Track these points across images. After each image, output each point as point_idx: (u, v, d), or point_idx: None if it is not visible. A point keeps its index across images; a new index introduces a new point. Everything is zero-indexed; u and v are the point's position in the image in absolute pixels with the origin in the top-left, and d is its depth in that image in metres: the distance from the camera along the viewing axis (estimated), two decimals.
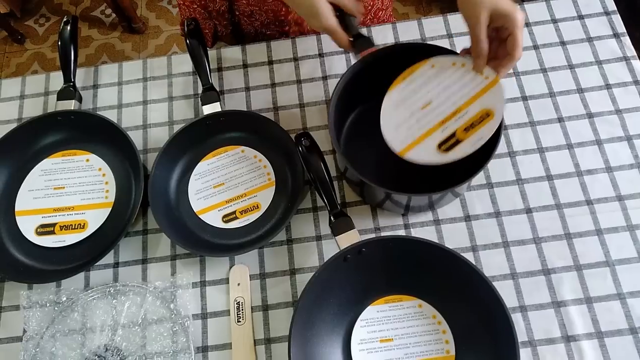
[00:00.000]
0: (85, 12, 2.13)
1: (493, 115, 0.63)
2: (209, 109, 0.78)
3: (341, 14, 0.68)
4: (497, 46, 0.63)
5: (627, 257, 0.68)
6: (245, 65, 0.86)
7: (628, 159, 0.74)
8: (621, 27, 0.83)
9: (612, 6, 0.84)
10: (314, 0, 0.66)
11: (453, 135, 0.64)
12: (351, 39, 0.69)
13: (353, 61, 0.74)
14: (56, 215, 0.76)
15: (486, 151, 0.63)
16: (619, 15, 0.84)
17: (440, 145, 0.64)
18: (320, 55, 0.85)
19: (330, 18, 0.67)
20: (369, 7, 0.91)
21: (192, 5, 0.91)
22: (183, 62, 0.87)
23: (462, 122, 0.64)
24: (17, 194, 0.78)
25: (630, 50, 0.81)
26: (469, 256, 0.69)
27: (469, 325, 0.64)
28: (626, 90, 0.78)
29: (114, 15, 2.04)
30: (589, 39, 0.83)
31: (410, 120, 0.66)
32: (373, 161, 0.73)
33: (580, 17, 0.84)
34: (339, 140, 0.75)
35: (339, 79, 0.70)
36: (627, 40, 0.82)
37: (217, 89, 0.79)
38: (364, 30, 0.68)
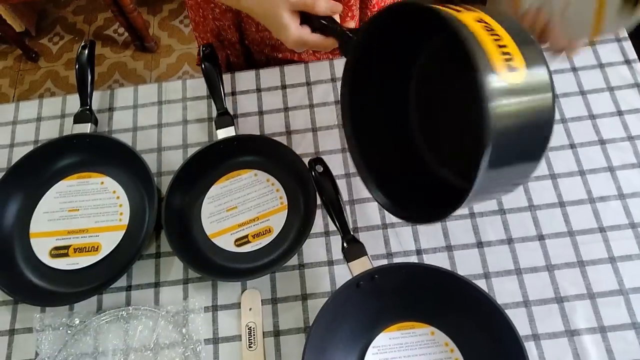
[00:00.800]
0: (99, 30, 2.16)
1: None
2: (223, 133, 0.79)
3: (316, 18, 0.61)
4: None
5: None
6: (258, 90, 0.87)
7: None
8: (632, 54, 0.83)
9: (623, 32, 0.85)
10: (276, 12, 0.60)
11: None
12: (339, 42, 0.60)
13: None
14: (70, 238, 0.77)
15: None
16: (630, 41, 0.84)
17: None
18: (333, 79, 0.86)
19: (295, 30, 0.60)
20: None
21: (206, 35, 0.92)
22: (197, 87, 0.88)
23: None
24: (32, 215, 0.79)
25: None
26: (481, 283, 0.69)
27: (481, 354, 0.64)
28: (638, 117, 0.78)
29: (126, 34, 2.07)
30: (600, 65, 0.83)
31: None
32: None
33: (592, 43, 0.85)
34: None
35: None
36: (638, 66, 0.82)
37: (231, 113, 0.81)
38: (351, 24, 0.62)
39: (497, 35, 0.43)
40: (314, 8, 0.60)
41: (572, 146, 0.77)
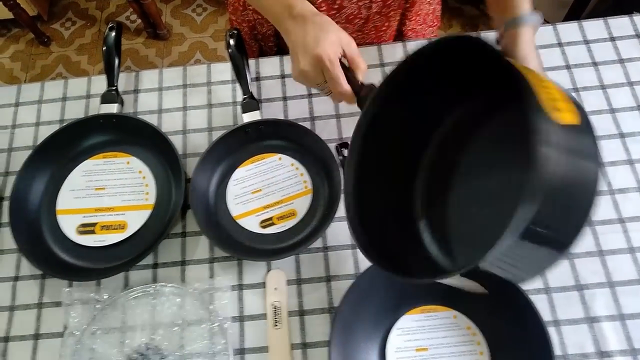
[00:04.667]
0: (111, 17, 2.17)
1: None
2: (248, 117, 0.80)
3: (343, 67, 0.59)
4: None
5: None
6: (283, 76, 0.88)
7: None
8: None
9: None
10: (328, 24, 0.58)
11: None
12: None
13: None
14: (97, 215, 0.78)
15: None
16: None
17: None
18: None
19: (338, 65, 0.57)
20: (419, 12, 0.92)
21: (242, 24, 0.93)
22: (222, 71, 0.89)
23: None
24: (58, 193, 0.80)
25: None
26: None
27: (503, 338, 0.65)
28: None
29: (138, 21, 2.08)
30: (621, 60, 0.84)
31: None
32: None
33: (612, 39, 0.86)
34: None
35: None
36: None
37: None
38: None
39: (546, 87, 0.41)
40: (357, 64, 0.59)
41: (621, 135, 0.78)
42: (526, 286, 0.68)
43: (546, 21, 0.89)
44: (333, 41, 0.57)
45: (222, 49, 2.02)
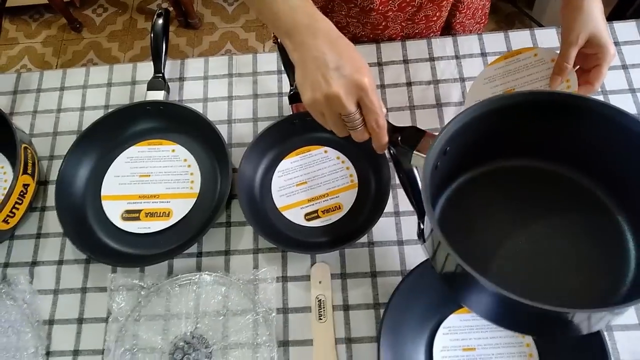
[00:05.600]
0: (142, 4, 2.17)
1: None
2: (295, 109, 0.79)
3: None
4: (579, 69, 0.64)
5: None
6: None
7: None
8: None
9: None
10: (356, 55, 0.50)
11: None
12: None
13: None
14: (141, 202, 0.78)
15: None
16: None
17: None
18: (405, 61, 0.86)
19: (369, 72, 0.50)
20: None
21: None
22: (268, 62, 0.88)
23: None
24: (103, 179, 0.80)
25: None
26: None
27: (556, 342, 0.64)
28: None
29: (170, 9, 2.08)
30: None
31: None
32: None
33: None
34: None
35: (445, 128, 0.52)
36: None
37: None
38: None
39: None
40: (380, 104, 0.52)
41: None
42: None
43: None
44: (370, 70, 0.51)
45: (253, 39, 2.01)
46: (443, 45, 0.86)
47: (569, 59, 0.64)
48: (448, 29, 0.94)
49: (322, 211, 0.75)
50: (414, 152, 0.54)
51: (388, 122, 0.55)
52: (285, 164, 0.79)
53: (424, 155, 0.52)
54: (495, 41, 0.86)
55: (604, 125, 0.50)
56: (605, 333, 0.65)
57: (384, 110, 0.54)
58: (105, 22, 2.16)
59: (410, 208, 0.69)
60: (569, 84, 0.65)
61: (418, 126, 0.56)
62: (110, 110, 0.82)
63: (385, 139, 0.54)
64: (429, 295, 0.67)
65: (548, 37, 0.85)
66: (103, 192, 0.79)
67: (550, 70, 0.67)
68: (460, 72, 0.84)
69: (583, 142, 0.54)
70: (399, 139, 0.55)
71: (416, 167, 0.58)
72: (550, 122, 0.53)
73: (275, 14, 0.53)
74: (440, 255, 0.50)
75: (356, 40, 0.92)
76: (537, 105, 0.52)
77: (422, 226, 0.66)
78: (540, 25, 1.79)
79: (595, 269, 0.52)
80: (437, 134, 0.51)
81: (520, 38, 0.86)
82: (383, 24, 0.87)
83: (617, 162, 0.52)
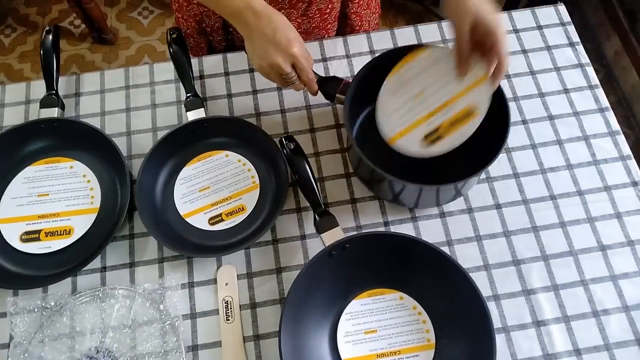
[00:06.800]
0: (54, 22, 2.10)
1: (477, 113, 0.66)
2: (193, 115, 0.80)
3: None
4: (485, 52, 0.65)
5: (588, 246, 0.74)
6: (227, 73, 0.88)
7: (586, 157, 0.80)
8: (576, 37, 0.90)
9: (567, 17, 0.92)
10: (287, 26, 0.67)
11: (437, 129, 0.68)
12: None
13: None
14: (41, 222, 0.76)
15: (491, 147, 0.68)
16: (573, 26, 0.91)
17: (425, 138, 0.69)
18: None
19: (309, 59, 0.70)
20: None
21: (189, 20, 0.93)
22: (165, 71, 0.89)
23: (447, 117, 0.68)
24: None
25: (585, 58, 0.88)
26: (444, 250, 0.73)
27: (447, 315, 0.68)
28: (582, 94, 0.85)
29: (83, 26, 2.03)
30: (548, 48, 0.89)
31: (403, 108, 0.71)
32: (383, 157, 0.70)
33: (539, 28, 0.91)
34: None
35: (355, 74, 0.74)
36: (581, 48, 0.89)
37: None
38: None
39: None
40: (310, 60, 0.71)
41: (524, 122, 0.83)
42: (465, 265, 0.72)
43: None
44: (301, 41, 0.69)
45: None
46: (334, 46, 0.90)
47: (462, 50, 0.65)
48: (344, 19, 0.98)
49: (225, 214, 0.77)
50: (337, 94, 0.75)
51: (317, 74, 0.75)
52: (186, 171, 0.80)
53: (344, 96, 0.74)
54: (382, 39, 0.91)
55: None
56: (493, 302, 0.71)
57: (311, 61, 0.72)
58: (14, 43, 2.07)
59: (309, 204, 0.72)
60: (478, 74, 0.66)
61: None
62: (1, 131, 0.80)
63: (315, 87, 0.74)
64: (330, 285, 0.70)
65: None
66: (0, 215, 0.77)
67: (449, 65, 0.68)
68: (352, 71, 0.88)
69: None
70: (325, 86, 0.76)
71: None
72: None
73: (217, 3, 0.70)
74: (357, 162, 0.76)
75: None
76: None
77: (316, 217, 0.70)
78: None
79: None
80: (350, 81, 0.75)
81: (420, 33, 0.91)
82: None
83: None
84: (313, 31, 0.95)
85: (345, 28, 1.00)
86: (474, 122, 0.66)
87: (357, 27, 1.00)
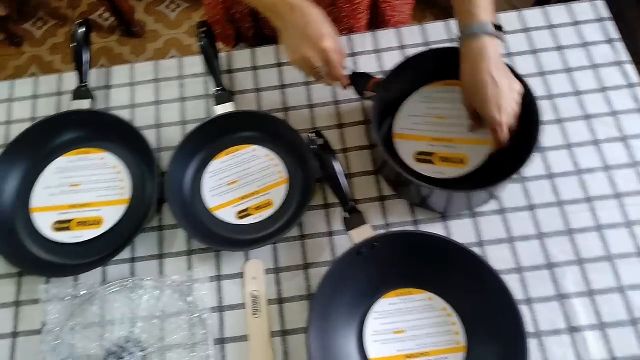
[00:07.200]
0: (83, 15, 2.13)
1: (466, 164, 0.74)
2: (221, 109, 0.80)
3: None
4: None
5: (626, 252, 0.71)
6: (255, 68, 0.88)
7: (624, 158, 0.77)
8: (615, 34, 0.87)
9: (605, 13, 0.88)
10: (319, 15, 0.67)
11: (431, 154, 0.77)
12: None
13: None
14: (72, 212, 0.77)
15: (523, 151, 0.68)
16: (612, 22, 0.88)
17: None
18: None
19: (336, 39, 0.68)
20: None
21: (218, 7, 0.93)
22: (194, 64, 0.89)
23: (441, 150, 0.76)
24: (32, 191, 0.79)
25: (624, 56, 0.85)
26: (476, 251, 0.71)
27: (478, 317, 0.67)
28: (620, 93, 0.82)
29: (112, 19, 2.05)
30: (584, 44, 0.86)
31: (419, 118, 0.79)
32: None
33: (576, 24, 0.88)
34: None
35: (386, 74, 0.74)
36: (620, 45, 0.86)
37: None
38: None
39: None
40: (343, 54, 0.71)
41: (559, 121, 0.80)
42: (497, 267, 0.70)
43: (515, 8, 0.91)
44: (333, 36, 0.68)
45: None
46: (363, 41, 0.89)
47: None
48: (376, 9, 0.96)
49: (253, 208, 0.77)
50: (366, 91, 0.75)
51: (348, 69, 0.75)
52: (215, 164, 0.80)
53: (374, 94, 0.74)
54: (412, 34, 0.89)
55: None
56: (526, 306, 0.69)
57: (344, 55, 0.72)
58: (46, 35, 2.11)
59: (338, 200, 0.72)
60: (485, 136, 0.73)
61: None
62: (35, 121, 0.81)
63: (346, 82, 0.74)
64: (358, 282, 0.69)
65: None
66: (33, 205, 0.78)
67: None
68: (381, 66, 0.86)
69: None
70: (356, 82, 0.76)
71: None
72: None
73: None
74: (383, 163, 0.76)
75: None
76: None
77: (345, 215, 0.69)
78: None
79: None
80: (381, 78, 0.74)
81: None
82: None
83: None
84: (342, 20, 0.93)
85: (376, 17, 0.98)
86: (461, 170, 0.73)
87: (389, 17, 0.98)
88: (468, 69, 0.67)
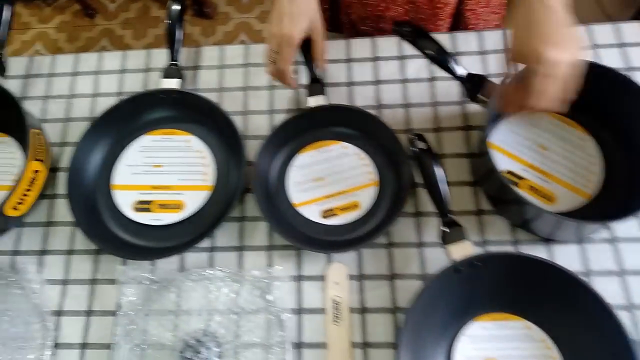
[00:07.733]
0: None
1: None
2: (314, 101, 0.76)
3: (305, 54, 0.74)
4: None
5: None
6: (349, 60, 0.84)
7: None
8: None
9: None
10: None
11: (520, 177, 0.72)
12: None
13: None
14: (153, 193, 0.75)
15: None
16: None
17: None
18: (400, 57, 0.83)
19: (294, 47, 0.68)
20: None
21: None
22: None
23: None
24: (115, 168, 0.78)
25: None
26: None
27: (584, 356, 0.61)
28: None
29: None
30: None
31: (518, 136, 0.75)
32: None
33: None
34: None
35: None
36: None
37: None
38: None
39: None
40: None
41: None
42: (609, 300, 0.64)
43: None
44: (303, 28, 0.68)
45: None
46: (466, 40, 0.83)
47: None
48: (459, 17, 0.90)
49: (339, 209, 0.73)
50: (480, 95, 0.69)
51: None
52: (302, 158, 0.76)
53: (487, 99, 0.68)
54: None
55: None
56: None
57: (293, 55, 0.70)
58: (119, 9, 2.14)
59: (431, 209, 0.67)
60: None
61: None
62: (123, 97, 0.80)
63: (286, 80, 0.72)
64: (451, 301, 0.64)
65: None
66: (115, 182, 0.77)
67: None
68: (485, 69, 0.80)
69: None
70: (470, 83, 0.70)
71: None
72: None
73: None
74: (485, 173, 0.71)
75: (360, 21, 0.90)
76: None
77: (444, 227, 0.64)
78: None
79: None
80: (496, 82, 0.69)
81: None
82: (383, 4, 0.84)
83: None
84: (419, 23, 0.86)
85: (458, 26, 0.91)
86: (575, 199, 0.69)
87: (472, 27, 0.91)
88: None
